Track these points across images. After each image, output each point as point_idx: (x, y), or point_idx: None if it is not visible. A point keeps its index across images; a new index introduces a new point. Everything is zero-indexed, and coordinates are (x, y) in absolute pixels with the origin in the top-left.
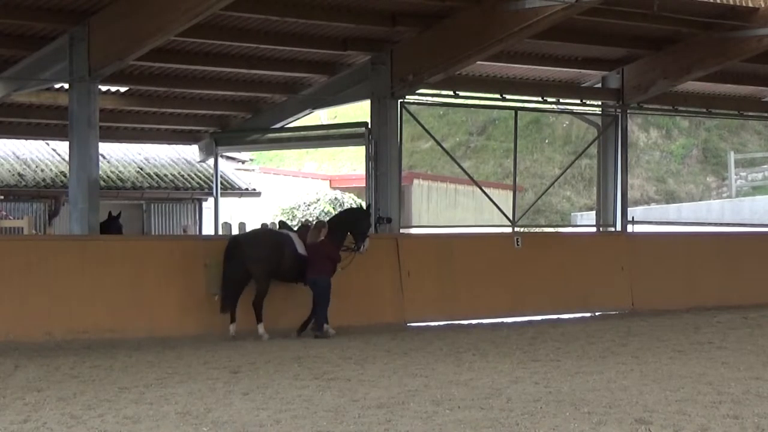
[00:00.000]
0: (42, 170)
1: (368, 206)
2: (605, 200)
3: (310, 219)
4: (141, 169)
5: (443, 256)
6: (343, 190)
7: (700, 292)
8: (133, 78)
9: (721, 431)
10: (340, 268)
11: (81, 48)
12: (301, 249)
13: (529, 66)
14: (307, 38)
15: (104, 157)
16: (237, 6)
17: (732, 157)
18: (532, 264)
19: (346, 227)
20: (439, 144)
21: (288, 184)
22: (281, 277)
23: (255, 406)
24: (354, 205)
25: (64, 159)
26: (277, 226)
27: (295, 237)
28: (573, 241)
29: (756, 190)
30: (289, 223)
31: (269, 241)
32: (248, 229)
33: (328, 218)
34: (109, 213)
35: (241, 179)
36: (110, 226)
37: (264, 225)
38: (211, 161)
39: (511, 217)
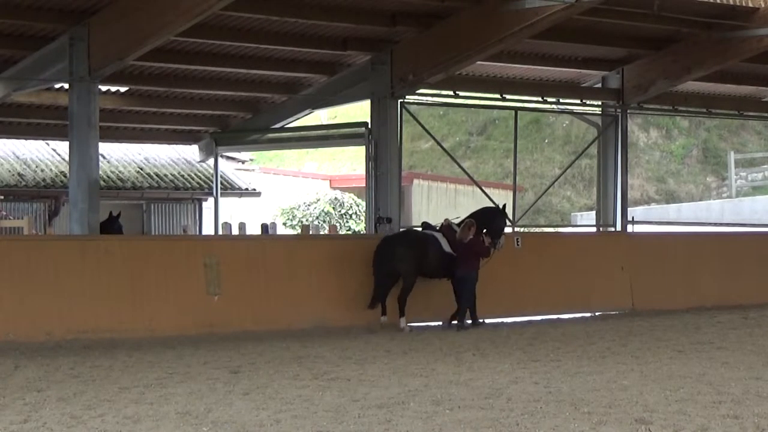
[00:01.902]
0: (42, 170)
1: (504, 205)
2: (605, 200)
3: (450, 219)
4: (141, 169)
5: None
6: (343, 190)
7: (700, 292)
8: (133, 78)
9: (721, 431)
10: (483, 263)
11: (81, 48)
12: (446, 247)
13: (529, 66)
14: (307, 38)
15: (104, 157)
16: (237, 6)
17: (732, 157)
18: (532, 264)
19: (482, 225)
20: (439, 144)
21: (288, 184)
22: (428, 274)
23: (255, 406)
24: (355, 204)
25: (64, 159)
26: (421, 228)
27: (440, 236)
28: (573, 241)
29: (756, 190)
30: (282, 222)
31: (415, 241)
32: (248, 229)
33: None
34: (110, 213)
35: (241, 179)
36: (110, 226)
37: (264, 225)
38: (211, 161)
39: (511, 217)
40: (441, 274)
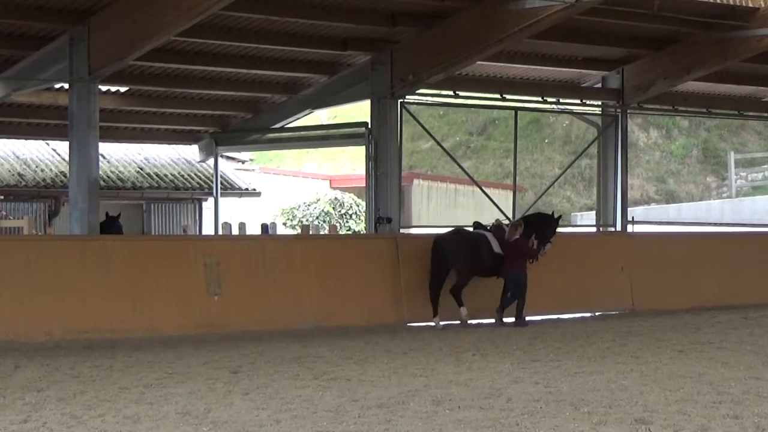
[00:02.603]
0: (42, 170)
1: (560, 216)
2: (605, 200)
3: (501, 220)
4: (141, 169)
5: None
6: (343, 190)
7: (700, 292)
8: (133, 78)
9: (721, 431)
10: (529, 263)
11: (81, 48)
12: (496, 248)
13: (529, 66)
14: (307, 38)
15: (104, 157)
16: (237, 6)
17: (732, 157)
18: (532, 264)
19: (532, 229)
20: (439, 144)
21: (288, 184)
22: (480, 272)
23: (255, 406)
24: (355, 204)
25: (64, 159)
26: (473, 227)
27: (490, 236)
28: (573, 241)
29: (756, 190)
30: (282, 222)
31: (469, 241)
32: (248, 229)
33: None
34: (107, 214)
35: (241, 179)
36: (110, 226)
37: (264, 225)
38: (211, 161)
39: (511, 217)
40: (491, 273)
